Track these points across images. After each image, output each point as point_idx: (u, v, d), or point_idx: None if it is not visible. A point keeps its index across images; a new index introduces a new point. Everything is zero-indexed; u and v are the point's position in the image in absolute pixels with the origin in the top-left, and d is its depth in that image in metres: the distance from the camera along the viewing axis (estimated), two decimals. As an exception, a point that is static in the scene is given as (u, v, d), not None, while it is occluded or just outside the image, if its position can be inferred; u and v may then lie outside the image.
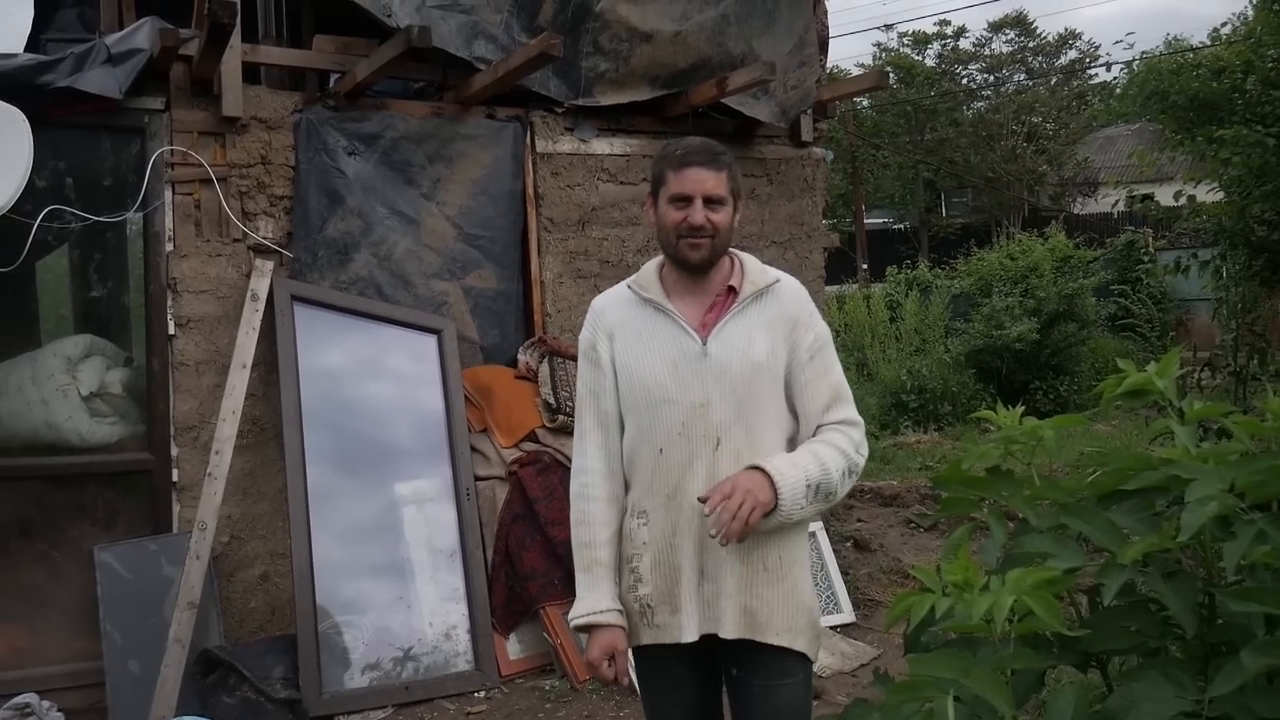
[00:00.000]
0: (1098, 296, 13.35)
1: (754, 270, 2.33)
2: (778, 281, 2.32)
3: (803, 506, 2.17)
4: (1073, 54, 26.96)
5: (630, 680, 2.36)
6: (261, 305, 4.51)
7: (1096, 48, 27.31)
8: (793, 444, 2.31)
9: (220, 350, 4.52)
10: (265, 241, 4.61)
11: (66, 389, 4.39)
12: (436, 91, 5.12)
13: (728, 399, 2.22)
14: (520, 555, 4.59)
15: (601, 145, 5.39)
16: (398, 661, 4.41)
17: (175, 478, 4.49)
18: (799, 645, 2.25)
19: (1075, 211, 25.21)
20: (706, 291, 2.30)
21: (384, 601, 4.49)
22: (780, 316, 2.29)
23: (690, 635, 2.22)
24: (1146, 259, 14.79)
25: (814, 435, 2.29)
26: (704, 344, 2.24)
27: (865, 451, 2.31)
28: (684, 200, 2.22)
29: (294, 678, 4.19)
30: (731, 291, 2.29)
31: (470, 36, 4.83)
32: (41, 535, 4.43)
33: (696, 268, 2.27)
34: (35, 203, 4.15)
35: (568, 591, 4.55)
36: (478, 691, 4.40)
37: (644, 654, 2.34)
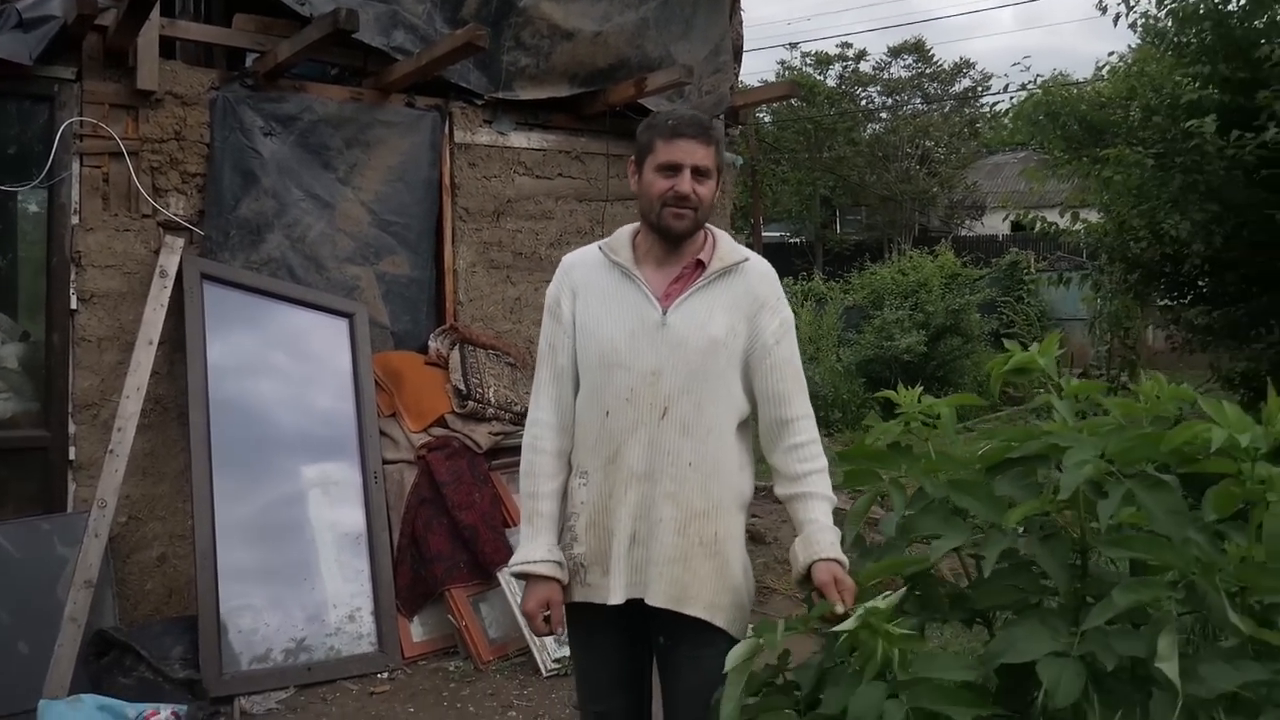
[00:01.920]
0: (982, 313, 13.97)
1: (725, 247, 2.33)
2: (746, 260, 2.32)
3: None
4: (966, 82, 28.02)
5: (542, 654, 2.37)
6: (170, 282, 4.46)
7: (988, 78, 28.36)
8: (744, 424, 2.34)
9: (124, 327, 4.45)
10: (176, 218, 4.56)
11: (-40, 361, 4.27)
12: (356, 77, 5.14)
13: (679, 370, 2.24)
14: (426, 538, 4.63)
15: (519, 139, 5.48)
16: (300, 643, 4.40)
17: (72, 456, 4.40)
18: (719, 621, 2.27)
19: (963, 233, 26.21)
20: (676, 263, 2.30)
21: (287, 583, 4.47)
22: (746, 296, 2.30)
23: (617, 598, 2.25)
24: (1028, 278, 15.52)
25: (785, 439, 2.32)
26: (664, 314, 2.25)
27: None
28: (672, 169, 2.22)
29: (193, 658, 4.14)
30: (700, 265, 2.29)
31: (389, 26, 4.87)
32: (-76, 512, 4.29)
33: (678, 237, 2.27)
34: (-67, 167, 4.05)
35: (473, 575, 4.63)
36: (381, 673, 4.42)
37: (575, 613, 2.37)
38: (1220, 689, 1.57)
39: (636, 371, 2.25)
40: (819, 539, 2.23)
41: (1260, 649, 1.69)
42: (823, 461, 2.34)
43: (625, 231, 2.38)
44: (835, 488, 2.41)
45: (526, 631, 4.41)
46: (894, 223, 26.45)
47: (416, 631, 4.63)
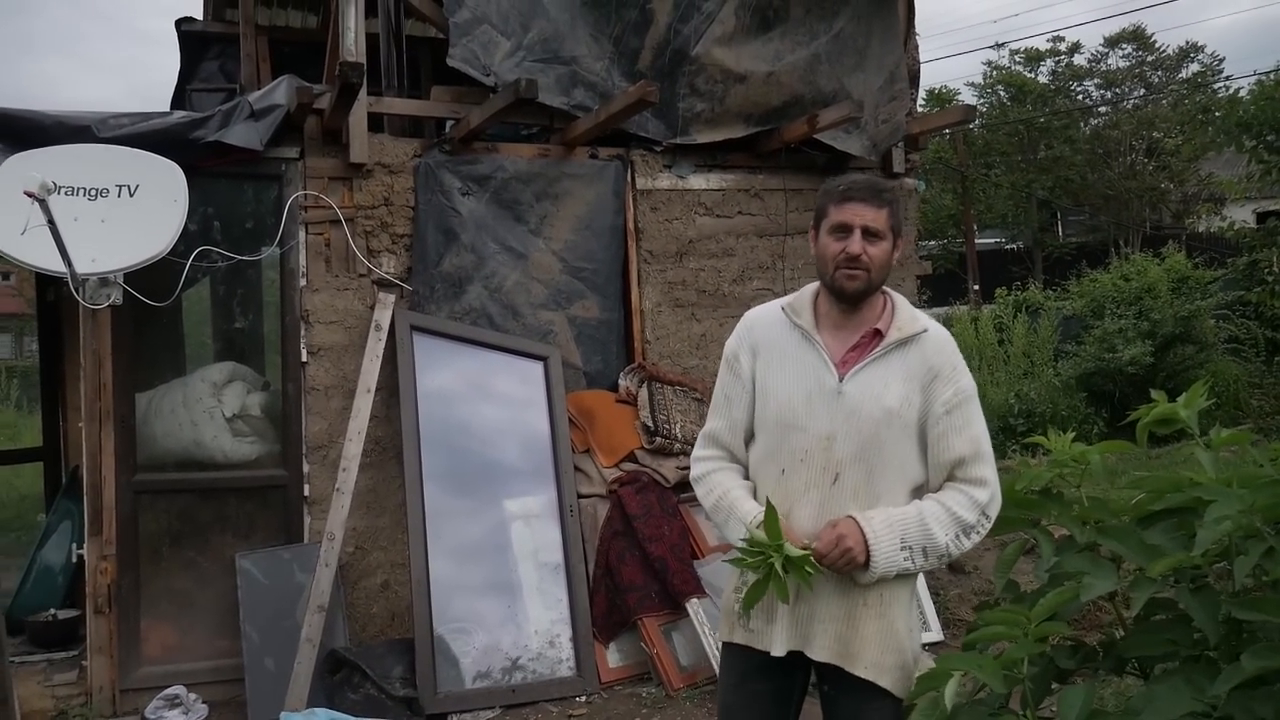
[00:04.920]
0: (1217, 319, 12.99)
1: (904, 316, 2.36)
2: (925, 331, 2.34)
3: (903, 565, 2.23)
4: (1195, 67, 26.15)
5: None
6: (384, 335, 4.92)
7: (1221, 61, 26.31)
8: (920, 493, 2.34)
9: (347, 376, 4.94)
10: (387, 276, 5.03)
11: (213, 411, 4.87)
12: (543, 134, 5.48)
13: (853, 438, 2.28)
14: (619, 569, 4.86)
15: (698, 181, 5.67)
16: (505, 666, 4.72)
17: (307, 492, 4.92)
18: (884, 682, 2.29)
19: (1199, 229, 24.37)
20: (855, 328, 2.35)
21: (494, 610, 4.82)
22: (921, 366, 2.31)
23: (779, 649, 2.31)
24: (1270, 279, 14.29)
25: (938, 490, 2.31)
26: (840, 381, 2.30)
27: (992, 512, 2.30)
28: (843, 230, 2.29)
29: (412, 678, 4.54)
30: (877, 334, 2.33)
31: (569, 86, 5.19)
32: (190, 544, 4.90)
33: (851, 297, 2.32)
34: (187, 244, 4.62)
35: (664, 604, 4.83)
36: (579, 696, 4.68)
37: (730, 652, 2.45)
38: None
39: (811, 434, 2.31)
40: (874, 512, 2.26)
41: None
42: (968, 515, 2.28)
43: (807, 293, 2.45)
44: (989, 535, 2.40)
45: (715, 662, 4.56)
46: (1120, 223, 24.96)
47: (612, 658, 4.87)
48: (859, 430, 2.28)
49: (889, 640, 2.31)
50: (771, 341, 2.40)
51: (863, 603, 2.29)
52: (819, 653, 2.31)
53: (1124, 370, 11.57)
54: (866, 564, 2.22)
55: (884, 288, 2.39)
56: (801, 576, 2.16)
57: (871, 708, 2.32)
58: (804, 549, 2.19)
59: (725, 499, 2.39)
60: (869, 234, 2.28)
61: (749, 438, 2.45)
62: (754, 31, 5.51)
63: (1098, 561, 2.12)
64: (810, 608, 2.31)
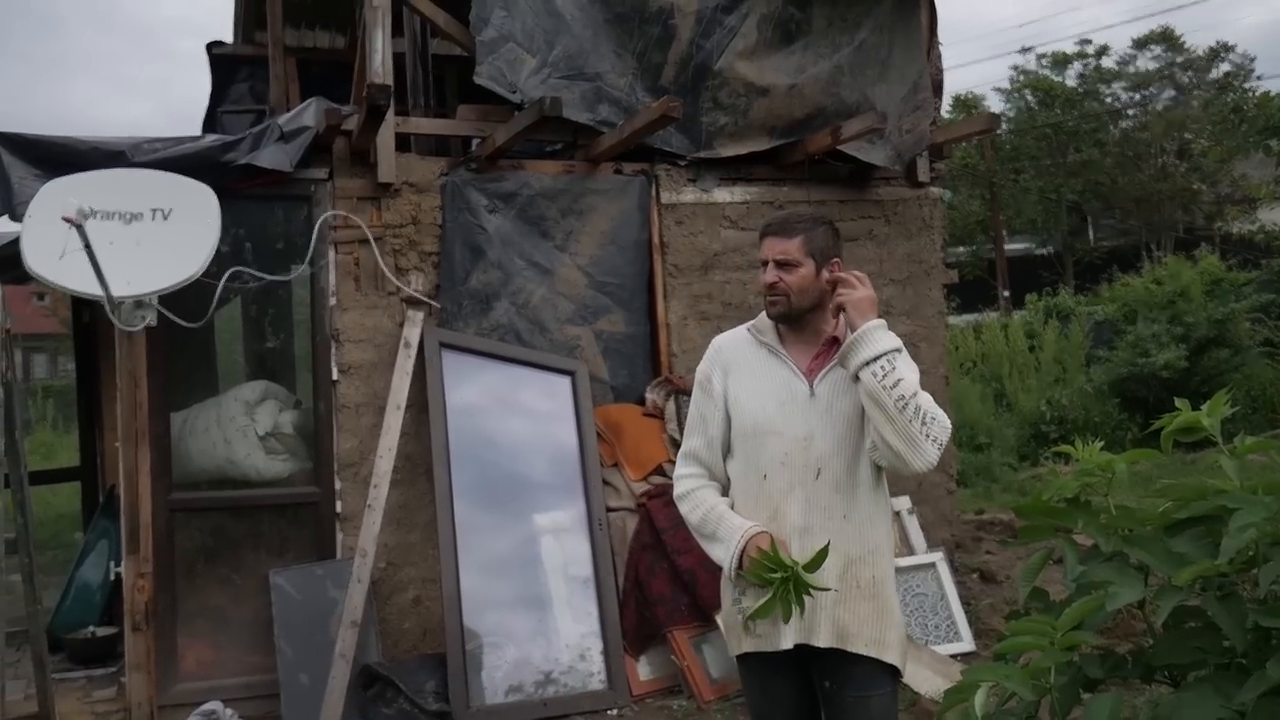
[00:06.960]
0: (1253, 322, 12.83)
1: None
2: None
3: (881, 358, 2.39)
4: (1225, 67, 25.88)
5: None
6: (413, 352, 4.97)
7: (1252, 60, 26.01)
8: (882, 475, 2.57)
9: (377, 393, 4.99)
10: (416, 294, 5.08)
11: (246, 429, 4.95)
12: (568, 150, 5.53)
13: (830, 434, 2.51)
14: (649, 582, 4.88)
15: (722, 194, 5.69)
16: (537, 680, 4.75)
17: (339, 509, 4.98)
18: (887, 657, 2.49)
19: (1233, 231, 24.09)
20: (813, 340, 2.60)
21: (524, 624, 4.85)
22: None
23: (787, 643, 2.47)
24: (1308, 279, 14.09)
25: None
26: (811, 386, 2.54)
27: (946, 425, 2.46)
28: (764, 264, 2.60)
29: (444, 692, 4.57)
30: (836, 341, 2.57)
31: (594, 102, 5.23)
32: (224, 561, 4.97)
33: (776, 320, 2.60)
34: (219, 265, 4.68)
35: (694, 617, 4.83)
36: (610, 709, 4.70)
37: (746, 662, 2.61)
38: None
39: (789, 437, 2.52)
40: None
41: None
42: (931, 406, 2.43)
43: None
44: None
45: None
46: (1152, 226, 24.71)
47: (643, 670, 4.88)
48: (834, 426, 2.51)
49: (886, 618, 2.52)
50: (740, 360, 2.63)
51: (856, 586, 2.50)
52: (823, 639, 2.47)
53: (1158, 375, 11.45)
54: (860, 327, 2.42)
55: None
56: (800, 598, 2.36)
57: (874, 695, 2.50)
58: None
59: (713, 513, 2.57)
60: (782, 264, 2.54)
61: (726, 453, 2.64)
62: (776, 44, 5.53)
63: (1124, 570, 2.12)
64: (811, 599, 2.45)
